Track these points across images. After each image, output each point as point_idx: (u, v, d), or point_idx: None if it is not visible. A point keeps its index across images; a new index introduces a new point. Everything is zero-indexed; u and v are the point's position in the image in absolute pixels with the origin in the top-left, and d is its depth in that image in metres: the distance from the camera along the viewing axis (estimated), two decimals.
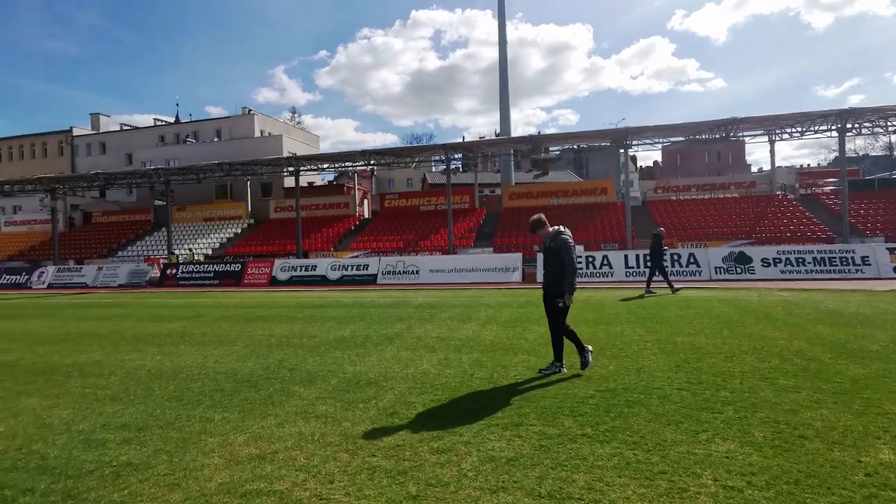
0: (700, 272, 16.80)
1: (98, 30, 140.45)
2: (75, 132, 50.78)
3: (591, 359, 5.28)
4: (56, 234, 32.95)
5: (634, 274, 17.49)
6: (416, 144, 34.30)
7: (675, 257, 17.37)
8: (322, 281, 20.39)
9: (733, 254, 16.80)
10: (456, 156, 32.79)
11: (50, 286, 24.46)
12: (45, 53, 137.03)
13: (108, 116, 54.44)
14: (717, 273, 16.69)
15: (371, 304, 12.61)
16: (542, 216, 5.35)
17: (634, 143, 27.45)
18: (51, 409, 4.52)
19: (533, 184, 41.75)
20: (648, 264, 14.43)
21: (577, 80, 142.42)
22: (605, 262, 17.92)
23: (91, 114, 53.53)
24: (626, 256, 17.97)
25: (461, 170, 49.84)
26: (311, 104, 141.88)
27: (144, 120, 61.61)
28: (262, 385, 5.09)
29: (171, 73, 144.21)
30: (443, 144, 28.20)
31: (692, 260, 17.12)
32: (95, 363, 6.41)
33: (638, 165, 78.73)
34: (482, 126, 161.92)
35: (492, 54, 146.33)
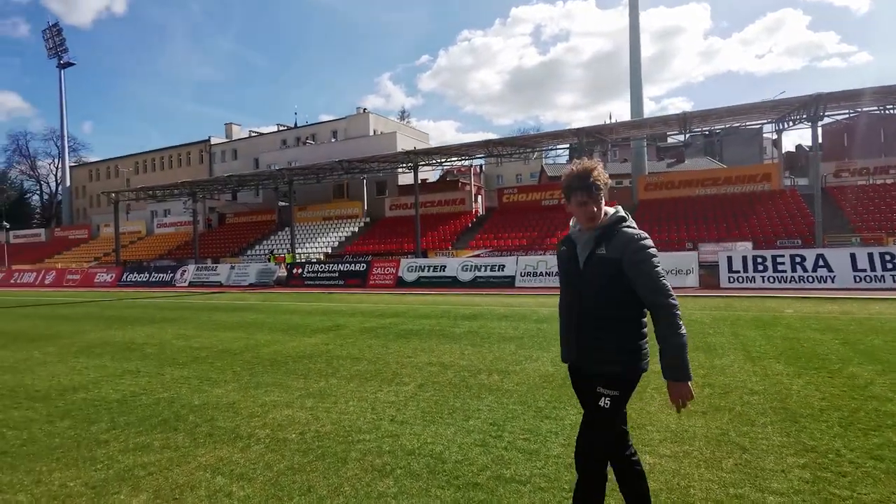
0: None
1: (232, 54, 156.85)
2: (212, 141, 55.21)
3: None
4: (196, 234, 35.16)
5: (868, 279, 13.01)
6: (545, 131, 31.37)
7: None
8: (453, 283, 18.37)
9: None
10: (559, 146, 29.34)
11: (190, 284, 25.52)
12: (192, 78, 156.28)
13: (240, 126, 58.63)
14: None
15: (535, 316, 10.06)
16: (600, 169, 2.15)
17: (827, 114, 21.89)
18: None
19: (673, 172, 36.63)
20: None
21: (690, 65, 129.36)
22: (822, 262, 13.59)
23: (225, 124, 57.98)
24: (852, 256, 13.48)
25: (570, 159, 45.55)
26: (413, 108, 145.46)
27: (269, 129, 65.73)
28: None
29: (290, 87, 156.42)
30: (575, 129, 24.96)
31: None
32: (228, 408, 4.57)
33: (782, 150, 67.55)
34: (585, 121, 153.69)
35: (594, 45, 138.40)
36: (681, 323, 2.05)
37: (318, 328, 9.31)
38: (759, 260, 14.19)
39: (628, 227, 2.15)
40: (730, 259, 14.56)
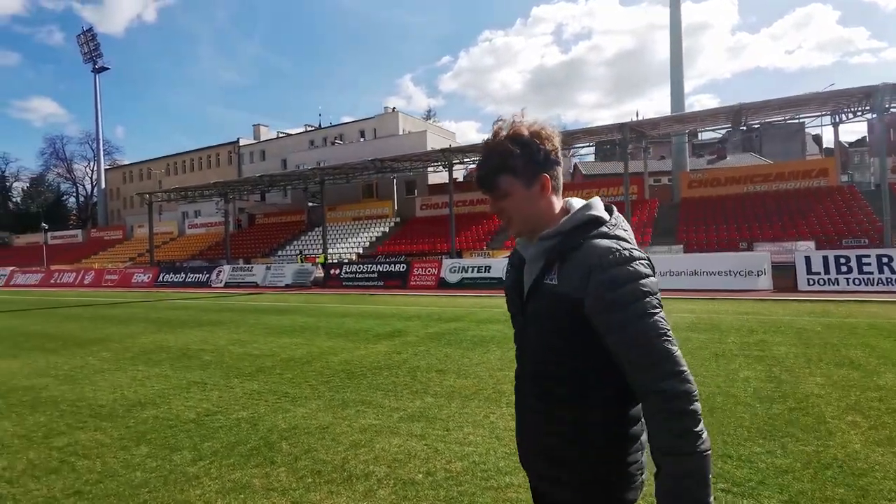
0: None
1: (257, 58, 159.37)
2: (241, 142, 55.60)
3: None
4: (228, 235, 35.17)
5: None
6: (584, 127, 30.21)
7: None
8: (499, 284, 17.57)
9: None
10: (579, 144, 28.17)
11: (226, 285, 25.31)
12: (219, 82, 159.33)
13: (267, 127, 58.94)
14: None
15: None
16: (524, 136, 1.15)
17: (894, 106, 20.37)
18: None
19: (718, 169, 35.10)
20: None
21: (717, 61, 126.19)
22: None
23: (253, 125, 58.40)
24: None
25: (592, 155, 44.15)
26: (435, 108, 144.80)
27: (296, 131, 66.18)
28: None
29: (313, 90, 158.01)
30: (619, 124, 23.86)
31: None
32: (323, 433, 3.90)
33: (823, 146, 64.71)
34: (608, 120, 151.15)
35: (617, 43, 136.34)
36: (698, 421, 1.03)
37: (380, 333, 8.66)
38: (843, 261, 13.02)
39: (604, 235, 1.14)
40: (808, 259, 13.43)
